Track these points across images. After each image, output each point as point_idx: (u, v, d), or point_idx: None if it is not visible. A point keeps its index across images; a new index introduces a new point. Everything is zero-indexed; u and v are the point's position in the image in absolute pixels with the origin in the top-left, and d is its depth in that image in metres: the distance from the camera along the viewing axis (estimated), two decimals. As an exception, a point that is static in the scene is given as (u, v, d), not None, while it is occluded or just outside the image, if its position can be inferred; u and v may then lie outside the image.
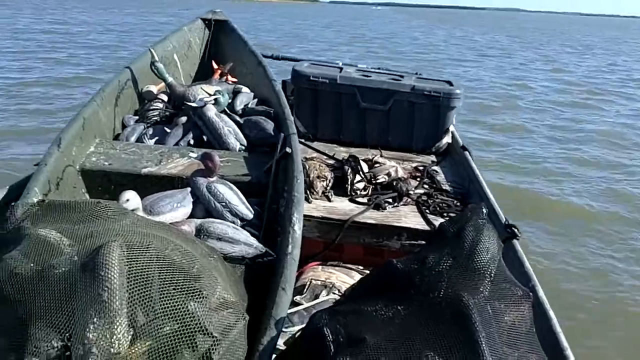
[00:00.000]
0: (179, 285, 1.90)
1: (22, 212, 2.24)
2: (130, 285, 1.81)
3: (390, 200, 3.61)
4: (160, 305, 1.83)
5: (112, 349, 1.69)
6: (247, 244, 2.70)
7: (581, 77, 18.68)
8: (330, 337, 1.83)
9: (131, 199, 2.63)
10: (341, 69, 4.72)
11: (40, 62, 15.36)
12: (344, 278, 3.25)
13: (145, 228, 2.12)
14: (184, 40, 5.34)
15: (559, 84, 16.67)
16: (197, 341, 1.82)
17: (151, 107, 4.15)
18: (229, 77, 4.81)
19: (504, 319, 1.77)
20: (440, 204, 3.59)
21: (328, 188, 3.68)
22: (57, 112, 9.78)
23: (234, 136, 3.65)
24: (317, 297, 3.08)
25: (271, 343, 2.05)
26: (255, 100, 4.31)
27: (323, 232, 3.39)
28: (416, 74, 4.88)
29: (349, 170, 3.74)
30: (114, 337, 1.71)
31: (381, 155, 4.19)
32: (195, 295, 1.90)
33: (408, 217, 3.45)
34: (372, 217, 3.42)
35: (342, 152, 4.30)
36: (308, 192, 3.55)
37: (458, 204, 3.60)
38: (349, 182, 3.69)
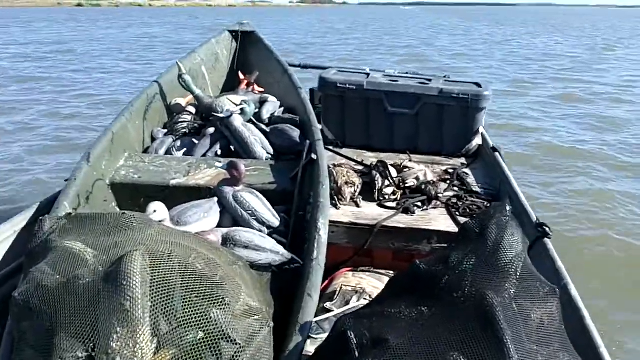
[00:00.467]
0: (201, 293, 1.90)
1: (50, 225, 2.28)
2: (153, 293, 1.82)
3: (419, 204, 3.57)
4: (183, 313, 1.83)
5: (135, 359, 1.70)
6: (274, 251, 2.70)
7: None
8: (355, 340, 1.81)
9: (158, 210, 2.65)
10: (368, 74, 4.70)
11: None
12: (375, 283, 3.22)
13: (168, 237, 2.13)
14: (211, 53, 5.40)
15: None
16: (221, 349, 1.81)
17: (179, 120, 4.20)
18: (256, 87, 4.84)
19: (531, 316, 1.72)
20: (471, 206, 3.53)
21: (356, 194, 3.65)
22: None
23: (260, 145, 3.66)
24: (347, 303, 3.05)
25: (297, 349, 2.04)
26: (282, 109, 4.32)
27: (352, 238, 3.37)
28: (444, 76, 4.84)
29: (377, 176, 3.71)
30: (137, 346, 1.72)
31: (410, 160, 4.15)
32: (218, 303, 1.90)
33: (438, 220, 3.40)
34: (401, 221, 3.38)
35: (370, 158, 4.27)
36: (336, 198, 3.53)
37: (489, 205, 3.54)
38: (377, 187, 3.66)
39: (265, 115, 4.09)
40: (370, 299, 2.93)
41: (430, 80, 4.61)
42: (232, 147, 3.76)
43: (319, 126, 3.64)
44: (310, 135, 3.52)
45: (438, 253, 2.17)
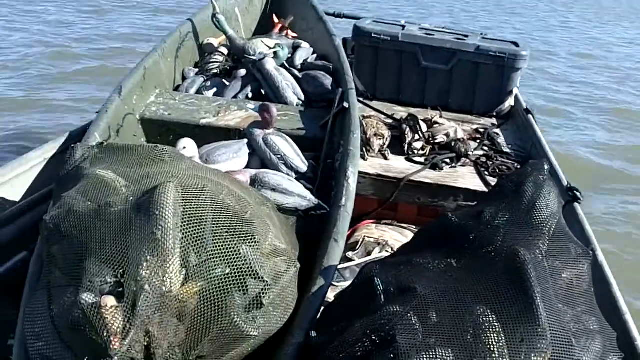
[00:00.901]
0: (231, 229, 1.90)
1: (82, 153, 2.29)
2: (184, 225, 1.83)
3: (447, 160, 3.54)
4: (213, 247, 1.84)
5: (164, 288, 1.71)
6: (301, 196, 2.70)
7: None
8: (381, 286, 1.81)
9: (188, 146, 2.65)
10: (404, 27, 4.61)
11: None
12: (397, 237, 3.22)
13: (200, 172, 2.13)
14: (245, -6, 5.32)
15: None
16: (248, 285, 1.83)
17: (211, 60, 4.16)
18: (289, 32, 4.77)
19: (561, 276, 1.71)
20: (500, 166, 3.50)
21: (385, 146, 3.63)
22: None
23: (291, 90, 3.63)
24: (369, 254, 3.06)
25: (321, 292, 2.05)
26: (315, 55, 4.26)
27: (378, 190, 3.36)
28: (481, 34, 4.73)
29: (407, 129, 3.68)
30: (166, 275, 1.73)
31: (441, 116, 4.10)
32: (247, 240, 1.91)
33: (466, 178, 3.38)
34: (428, 176, 3.37)
35: (400, 112, 4.23)
36: (364, 149, 3.51)
37: (518, 167, 3.50)
38: (407, 141, 3.63)
39: (298, 60, 4.04)
40: (393, 252, 2.94)
41: (467, 36, 4.52)
42: (263, 91, 3.73)
43: (352, 75, 3.58)
44: (342, 84, 3.48)
45: (470, 208, 2.16)
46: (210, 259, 1.82)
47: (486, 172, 3.41)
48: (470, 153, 3.62)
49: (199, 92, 3.82)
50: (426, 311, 1.65)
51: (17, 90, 7.61)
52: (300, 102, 3.62)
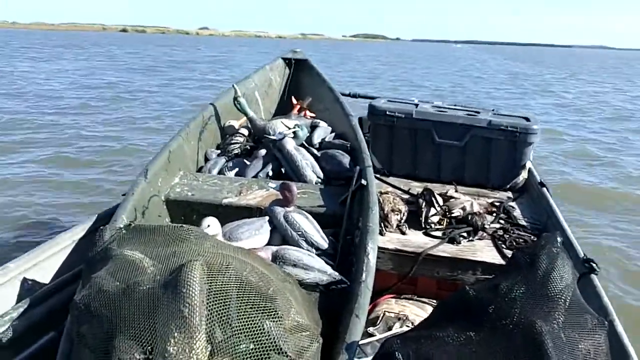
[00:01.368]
0: (255, 305, 1.97)
1: (110, 235, 2.39)
2: (210, 302, 1.90)
3: (465, 234, 3.59)
4: (237, 323, 1.90)
5: (191, 363, 1.77)
6: (322, 270, 2.76)
7: None
8: (401, 360, 1.84)
9: (212, 224, 2.75)
10: (417, 105, 4.76)
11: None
12: (418, 311, 3.24)
13: (224, 250, 2.21)
14: (265, 78, 5.55)
15: None
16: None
17: (232, 141, 4.32)
18: (307, 113, 4.95)
19: (578, 347, 1.74)
20: (517, 239, 3.54)
21: (402, 221, 3.70)
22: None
23: (311, 169, 3.74)
24: (390, 329, 3.08)
25: (344, 367, 2.08)
26: (333, 134, 4.41)
27: (397, 265, 3.40)
28: (492, 110, 4.86)
29: (424, 203, 3.75)
30: (193, 351, 1.79)
31: (456, 190, 4.18)
32: (270, 315, 1.97)
33: (483, 252, 3.42)
34: (446, 250, 3.41)
35: (416, 187, 4.31)
36: (382, 225, 3.58)
37: (535, 239, 3.54)
38: (424, 215, 3.70)
39: (317, 139, 4.18)
40: (413, 326, 2.96)
41: (478, 112, 4.65)
42: (283, 170, 3.85)
43: (369, 153, 3.70)
44: (360, 162, 3.59)
45: (487, 281, 2.20)
46: (235, 334, 1.88)
47: (503, 245, 3.45)
48: (487, 226, 3.67)
49: (221, 172, 3.96)
50: (446, 384, 1.69)
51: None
52: (320, 180, 3.73)
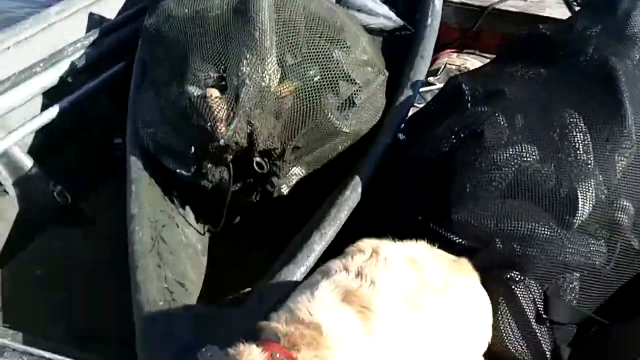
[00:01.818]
0: (324, 35, 1.97)
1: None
2: (279, 29, 1.90)
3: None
4: (307, 49, 1.92)
5: (263, 83, 1.82)
6: (386, 17, 2.69)
7: None
8: (468, 92, 1.85)
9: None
10: None
11: None
12: (479, 65, 3.20)
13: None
14: None
15: None
16: (340, 86, 1.91)
17: None
18: None
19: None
20: (589, -8, 3.35)
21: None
22: None
23: None
24: (450, 79, 3.07)
25: (408, 101, 2.11)
26: None
27: (461, 19, 3.29)
28: None
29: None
30: (265, 72, 1.83)
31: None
32: (339, 46, 1.97)
33: (553, 8, 3.26)
34: (514, 5, 3.26)
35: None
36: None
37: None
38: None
39: None
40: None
41: None
42: None
43: None
44: None
45: (561, 22, 2.12)
46: (305, 60, 1.90)
47: (575, 2, 3.28)
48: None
49: None
50: (513, 112, 1.71)
51: None
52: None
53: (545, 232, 1.55)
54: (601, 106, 1.65)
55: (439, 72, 3.09)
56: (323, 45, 1.94)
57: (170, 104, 1.89)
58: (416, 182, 1.79)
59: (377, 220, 1.81)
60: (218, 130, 1.72)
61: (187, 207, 2.07)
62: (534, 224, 1.56)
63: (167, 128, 1.90)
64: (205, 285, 1.87)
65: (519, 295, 1.55)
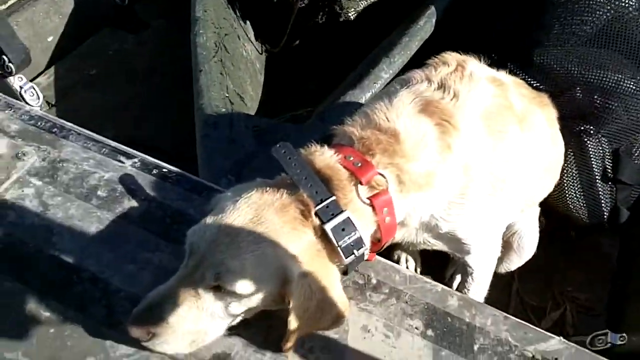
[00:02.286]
0: None
1: None
2: None
3: None
4: None
5: None
6: None
7: None
8: None
9: None
10: None
11: None
12: None
13: None
14: None
15: None
16: None
17: None
18: None
19: None
20: None
21: None
22: None
23: None
24: None
25: None
26: None
27: None
28: None
29: None
30: None
31: None
32: None
33: None
34: None
35: None
36: None
37: None
38: None
39: None
40: None
41: None
42: None
43: None
44: None
45: None
46: None
47: None
48: None
49: None
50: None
51: None
52: None
53: (630, 86, 1.47)
54: None
55: None
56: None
57: None
58: (495, 17, 1.68)
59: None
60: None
61: (248, 22, 1.98)
62: (620, 76, 1.47)
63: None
64: (262, 103, 1.83)
65: (590, 150, 1.50)
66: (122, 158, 1.18)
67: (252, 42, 1.96)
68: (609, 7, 1.49)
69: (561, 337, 0.98)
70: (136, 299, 0.89)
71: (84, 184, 1.12)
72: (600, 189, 1.53)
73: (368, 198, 0.92)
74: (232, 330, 0.92)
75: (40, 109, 1.52)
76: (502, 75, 1.19)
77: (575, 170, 1.51)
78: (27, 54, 1.71)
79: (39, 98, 1.70)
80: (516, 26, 1.60)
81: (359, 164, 0.92)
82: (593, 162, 1.50)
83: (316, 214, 0.88)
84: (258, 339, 0.93)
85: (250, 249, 0.84)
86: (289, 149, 0.94)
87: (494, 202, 1.08)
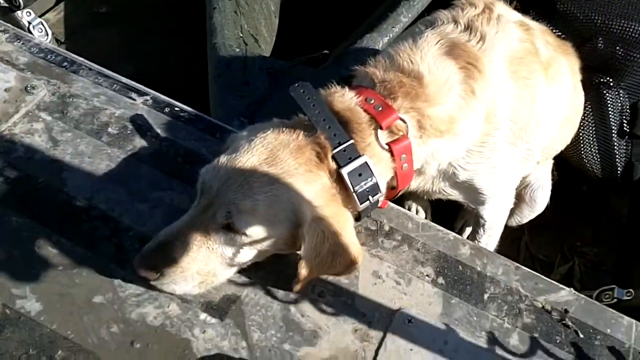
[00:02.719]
0: None
1: None
2: None
3: None
4: None
5: None
6: None
7: None
8: None
9: None
10: None
11: None
12: None
13: None
14: None
15: None
16: None
17: None
18: None
19: None
20: None
21: None
22: None
23: None
24: None
25: None
26: None
27: None
28: None
29: None
30: None
31: None
32: None
33: None
34: None
35: None
36: None
37: None
38: None
39: None
40: None
41: None
42: None
43: None
44: None
45: None
46: None
47: None
48: None
49: None
50: None
51: None
52: None
53: (654, 38, 1.42)
54: None
55: None
56: None
57: None
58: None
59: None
60: None
61: (265, -40, 1.92)
62: (644, 28, 1.42)
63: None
64: (275, 46, 1.79)
65: (609, 103, 1.47)
66: (134, 95, 1.16)
67: (267, -19, 1.90)
68: (635, -47, 1.43)
69: (572, 289, 0.97)
70: (146, 238, 0.88)
71: (94, 120, 1.10)
72: (615, 143, 1.50)
73: (387, 144, 0.90)
74: (243, 273, 0.91)
75: (49, 46, 1.49)
76: (530, 20, 1.16)
77: (592, 123, 1.48)
78: (36, -14, 1.66)
79: (47, 34, 1.66)
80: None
81: (380, 108, 0.90)
82: (610, 116, 1.47)
83: (333, 157, 0.86)
84: (268, 282, 0.93)
85: (263, 190, 0.83)
86: (308, 88, 0.92)
87: (513, 151, 1.07)
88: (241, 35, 1.51)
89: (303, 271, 0.84)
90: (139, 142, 1.08)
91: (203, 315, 0.89)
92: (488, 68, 0.97)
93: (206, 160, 0.90)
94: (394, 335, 0.88)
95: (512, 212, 1.40)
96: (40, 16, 1.81)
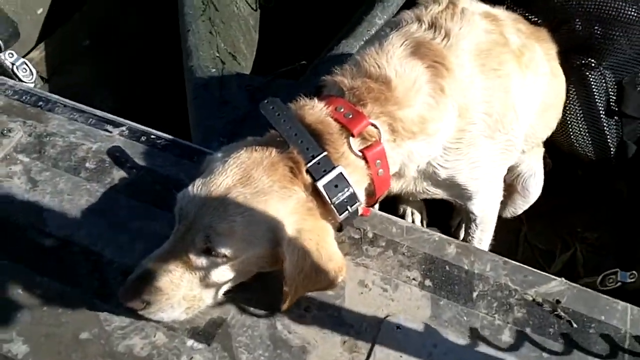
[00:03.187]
0: None
1: None
2: None
3: None
4: None
5: None
6: None
7: None
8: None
9: None
10: None
11: None
12: None
13: None
14: None
15: None
16: None
17: None
18: None
19: None
20: None
21: None
22: None
23: None
24: None
25: None
26: None
27: None
28: None
29: None
30: None
31: None
32: None
33: None
34: None
35: None
36: None
37: None
38: None
39: None
40: None
41: None
42: None
43: None
44: None
45: None
46: None
47: None
48: None
49: None
50: None
51: None
52: None
53: (632, 14, 1.39)
54: None
55: None
56: None
57: None
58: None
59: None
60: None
61: (240, -25, 1.93)
62: (620, 3, 1.40)
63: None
64: (257, 61, 1.79)
65: (592, 83, 1.44)
66: (110, 127, 1.16)
67: (244, -2, 1.90)
68: None
69: (562, 278, 0.96)
70: (129, 269, 0.88)
71: (72, 156, 1.10)
72: (605, 123, 1.48)
73: (360, 151, 0.90)
74: (228, 294, 0.91)
75: (35, 85, 1.50)
76: (498, 10, 1.14)
77: (578, 106, 1.46)
78: (15, 28, 1.67)
79: (32, 74, 1.67)
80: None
81: (350, 115, 0.90)
82: (596, 96, 1.45)
83: (307, 171, 0.86)
84: (254, 302, 0.92)
85: (238, 211, 0.83)
86: (277, 104, 0.92)
87: (492, 144, 1.06)
88: (217, 54, 1.51)
89: (287, 289, 0.84)
90: (117, 174, 1.08)
91: (190, 342, 0.88)
92: (455, 64, 0.96)
93: (185, 186, 0.90)
94: (382, 344, 0.87)
95: (505, 204, 1.39)
96: (24, 56, 1.82)
